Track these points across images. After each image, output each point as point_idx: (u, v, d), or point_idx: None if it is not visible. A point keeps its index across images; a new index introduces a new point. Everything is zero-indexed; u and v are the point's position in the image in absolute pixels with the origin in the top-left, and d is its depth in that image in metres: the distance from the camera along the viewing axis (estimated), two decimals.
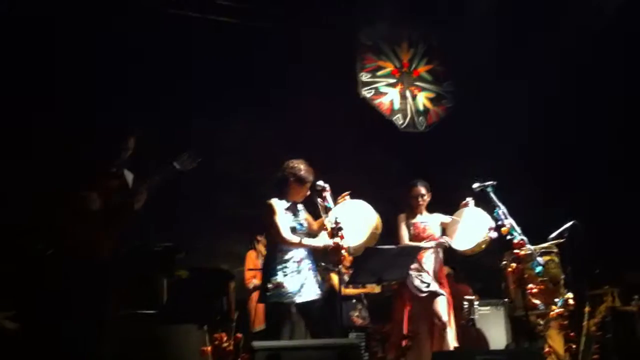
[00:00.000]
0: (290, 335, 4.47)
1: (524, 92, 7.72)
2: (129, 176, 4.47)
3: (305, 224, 4.71)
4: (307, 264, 4.58)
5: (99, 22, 6.48)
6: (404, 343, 5.10)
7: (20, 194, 4.75)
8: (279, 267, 4.53)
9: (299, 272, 4.55)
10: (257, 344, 3.78)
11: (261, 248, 6.58)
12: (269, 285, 4.51)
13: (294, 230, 4.60)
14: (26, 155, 5.72)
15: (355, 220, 4.73)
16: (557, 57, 7.70)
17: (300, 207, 4.73)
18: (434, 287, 5.40)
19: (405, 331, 5.23)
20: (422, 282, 5.37)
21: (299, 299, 4.50)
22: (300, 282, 4.52)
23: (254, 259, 6.56)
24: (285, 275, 4.51)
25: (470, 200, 5.47)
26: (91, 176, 4.30)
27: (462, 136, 7.80)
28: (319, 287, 4.65)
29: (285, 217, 4.60)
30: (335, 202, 4.63)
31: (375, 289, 6.07)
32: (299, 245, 4.56)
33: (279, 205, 4.63)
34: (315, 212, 4.69)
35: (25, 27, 6.13)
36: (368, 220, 4.74)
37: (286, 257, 4.56)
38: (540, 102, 7.69)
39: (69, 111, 6.15)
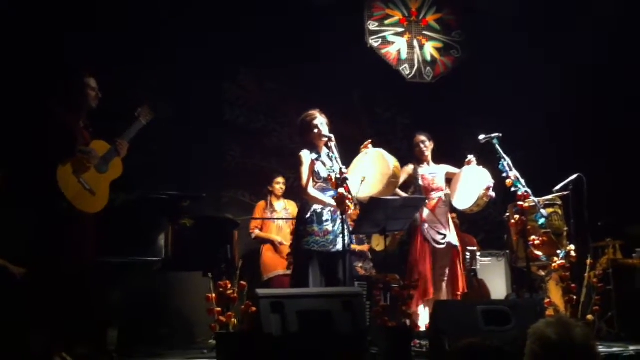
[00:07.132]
0: (318, 283, 4.42)
1: (534, 44, 7.58)
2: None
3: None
4: (340, 214, 4.43)
5: None
6: (429, 294, 5.21)
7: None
8: (314, 215, 4.50)
9: (333, 221, 4.51)
10: (260, 291, 3.82)
11: (273, 199, 6.60)
12: (303, 233, 4.49)
13: (320, 178, 4.54)
14: None
15: (373, 169, 4.74)
16: (574, 10, 7.48)
17: (333, 156, 4.53)
18: (449, 238, 5.44)
19: (430, 283, 5.29)
20: (439, 233, 5.41)
21: (332, 249, 4.47)
22: (333, 231, 4.49)
23: (262, 210, 6.57)
24: (319, 224, 4.49)
25: (472, 159, 5.44)
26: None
27: (470, 88, 7.71)
28: (350, 239, 4.59)
29: (311, 167, 4.54)
30: (359, 151, 4.79)
31: (380, 245, 6.10)
32: (315, 200, 4.52)
33: (306, 157, 4.58)
34: (347, 162, 4.65)
35: None
36: (385, 169, 4.72)
37: (321, 205, 4.53)
38: (554, 57, 7.53)
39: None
